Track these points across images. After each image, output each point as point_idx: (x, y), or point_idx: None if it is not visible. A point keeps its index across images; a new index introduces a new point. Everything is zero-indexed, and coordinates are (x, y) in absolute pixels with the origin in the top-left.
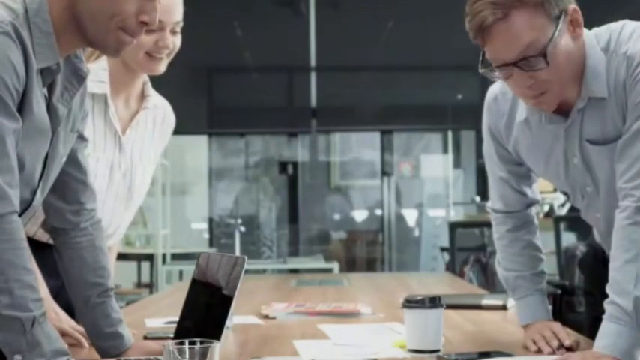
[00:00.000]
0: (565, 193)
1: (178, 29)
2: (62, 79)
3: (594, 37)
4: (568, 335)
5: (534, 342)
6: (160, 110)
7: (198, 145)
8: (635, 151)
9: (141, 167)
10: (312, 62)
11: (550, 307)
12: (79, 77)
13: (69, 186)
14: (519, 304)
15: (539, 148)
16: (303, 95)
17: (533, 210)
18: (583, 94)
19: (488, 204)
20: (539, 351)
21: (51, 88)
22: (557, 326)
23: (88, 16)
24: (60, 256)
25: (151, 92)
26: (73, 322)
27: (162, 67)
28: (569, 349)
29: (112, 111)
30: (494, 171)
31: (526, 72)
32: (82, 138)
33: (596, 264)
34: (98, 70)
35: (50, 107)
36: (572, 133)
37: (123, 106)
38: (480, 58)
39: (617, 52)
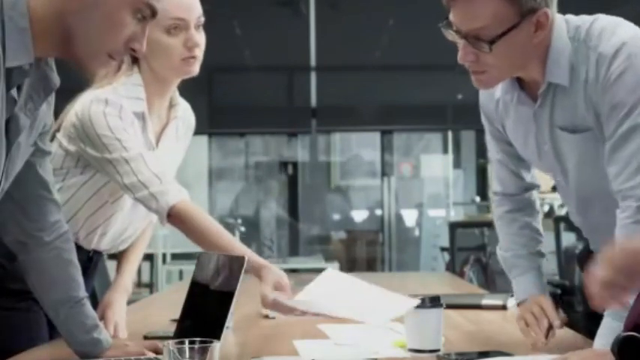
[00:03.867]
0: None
1: (201, 23)
2: (28, 87)
3: (565, 22)
4: (555, 314)
5: (526, 324)
6: (183, 115)
7: (198, 145)
8: (626, 153)
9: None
10: (312, 62)
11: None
12: (47, 87)
13: (31, 202)
14: (515, 282)
15: (518, 128)
16: (303, 95)
17: (534, 194)
18: (545, 78)
19: (491, 188)
20: (533, 348)
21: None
22: (545, 302)
23: (81, 33)
24: (27, 273)
25: (179, 100)
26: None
27: (196, 68)
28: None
29: (149, 126)
30: (492, 152)
31: (471, 48)
32: (43, 152)
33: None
34: (133, 87)
35: (11, 115)
36: (541, 119)
37: (156, 118)
38: (446, 15)
39: (587, 44)
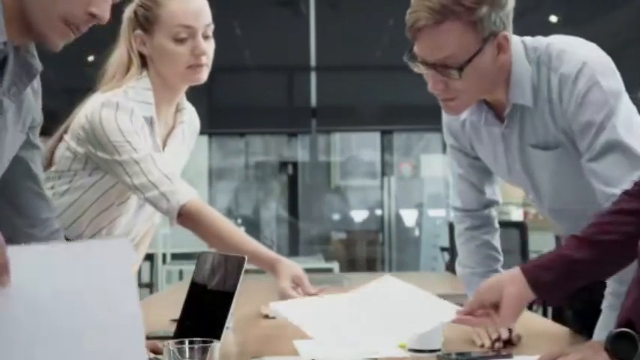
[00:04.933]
0: None
1: (210, 32)
2: (10, 74)
3: (522, 44)
4: (506, 329)
5: (479, 335)
6: (188, 118)
7: (198, 145)
8: (606, 165)
9: None
10: (312, 62)
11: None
12: (29, 73)
13: (23, 199)
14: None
15: (487, 147)
16: (303, 95)
17: (493, 212)
18: (509, 100)
19: (450, 202)
20: (483, 346)
21: None
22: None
23: (34, 4)
24: None
25: (186, 105)
26: None
27: (204, 76)
28: (507, 341)
29: (157, 130)
30: (454, 167)
31: (440, 76)
32: (33, 145)
33: None
34: (142, 91)
35: None
36: (510, 139)
37: (163, 122)
38: (409, 48)
39: (547, 65)
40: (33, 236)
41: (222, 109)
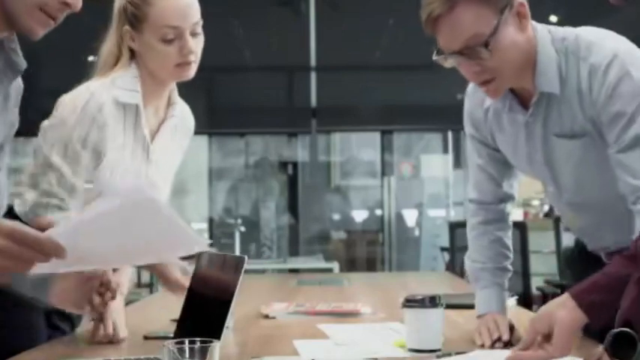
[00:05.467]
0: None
1: (199, 30)
2: None
3: (549, 33)
4: (507, 330)
5: (480, 335)
6: (181, 116)
7: (198, 145)
8: (638, 153)
9: (163, 176)
10: (312, 62)
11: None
12: (14, 69)
13: None
14: (478, 295)
15: (508, 136)
16: (303, 95)
17: (509, 207)
18: (536, 87)
19: (467, 195)
20: (483, 345)
21: None
22: (501, 319)
23: None
24: None
25: (178, 99)
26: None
27: (191, 73)
28: (508, 343)
29: (144, 120)
30: (473, 157)
31: (472, 60)
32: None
33: (581, 258)
34: (128, 78)
35: None
36: (533, 127)
37: (152, 113)
38: (435, 47)
39: (576, 55)
40: None
41: (222, 109)
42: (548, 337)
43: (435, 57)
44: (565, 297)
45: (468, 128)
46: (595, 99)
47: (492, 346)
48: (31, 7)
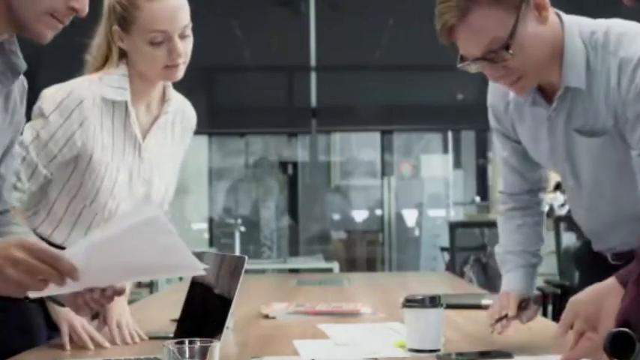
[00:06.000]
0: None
1: (188, 32)
2: None
3: (577, 26)
4: (515, 307)
5: (491, 313)
6: (180, 110)
7: (198, 145)
8: None
9: (158, 173)
10: (312, 62)
11: (550, 306)
12: (14, 71)
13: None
14: (504, 278)
15: (530, 129)
16: (303, 95)
17: (540, 196)
18: (562, 81)
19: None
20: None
21: None
22: (512, 296)
23: (20, 2)
24: None
25: (172, 96)
26: (85, 321)
27: (180, 74)
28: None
29: (133, 118)
30: (499, 150)
31: (496, 63)
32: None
33: (590, 258)
34: (117, 76)
35: None
36: (556, 122)
37: (144, 111)
38: (459, 54)
39: (606, 48)
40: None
41: (222, 109)
42: (590, 323)
43: (459, 64)
44: (613, 282)
45: (491, 121)
46: (623, 96)
47: (495, 323)
48: (41, 14)
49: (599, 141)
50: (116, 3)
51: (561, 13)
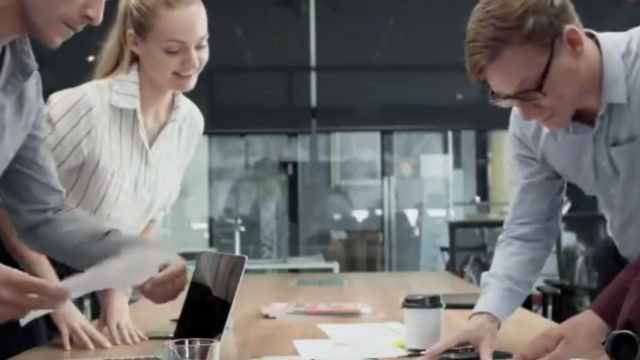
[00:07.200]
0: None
1: (204, 43)
2: (6, 72)
3: (612, 43)
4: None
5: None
6: (188, 116)
7: (198, 145)
8: None
9: (163, 179)
10: (312, 62)
11: (550, 306)
12: (25, 71)
13: (28, 188)
14: (478, 301)
15: (569, 156)
16: (303, 95)
17: (555, 222)
18: (603, 101)
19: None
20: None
21: None
22: (457, 335)
23: (34, 7)
24: (44, 240)
25: (181, 103)
26: (85, 322)
27: (192, 84)
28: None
29: (141, 125)
30: (517, 177)
31: (528, 102)
32: (34, 137)
33: (609, 260)
34: (128, 84)
35: None
36: (599, 138)
37: (152, 118)
38: (490, 90)
39: (637, 53)
40: (45, 218)
41: (223, 109)
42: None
43: (490, 100)
44: (585, 318)
45: (514, 147)
46: None
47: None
48: (55, 20)
49: (635, 145)
50: (134, 8)
51: (595, 34)
